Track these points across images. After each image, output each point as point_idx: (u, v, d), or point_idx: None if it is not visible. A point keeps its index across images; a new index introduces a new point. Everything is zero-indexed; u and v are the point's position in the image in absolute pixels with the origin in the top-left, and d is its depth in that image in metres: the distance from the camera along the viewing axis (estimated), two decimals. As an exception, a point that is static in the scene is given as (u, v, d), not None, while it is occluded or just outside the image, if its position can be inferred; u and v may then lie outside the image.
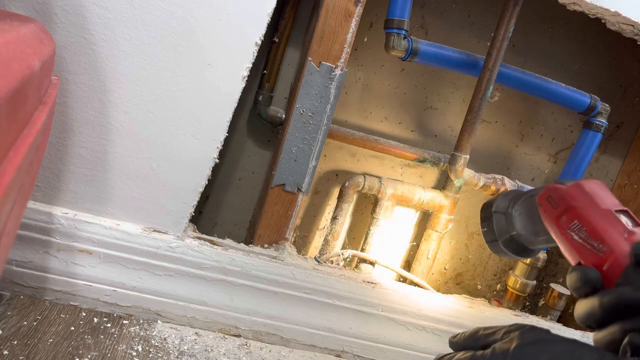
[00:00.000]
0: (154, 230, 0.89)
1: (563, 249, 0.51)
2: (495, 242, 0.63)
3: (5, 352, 0.70)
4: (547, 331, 0.42)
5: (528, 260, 1.26)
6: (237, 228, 1.23)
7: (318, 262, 1.01)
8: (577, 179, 0.53)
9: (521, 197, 0.61)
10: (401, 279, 1.12)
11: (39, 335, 0.76)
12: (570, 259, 0.50)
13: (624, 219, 0.47)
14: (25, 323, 0.78)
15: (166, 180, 0.87)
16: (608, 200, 0.49)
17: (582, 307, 0.45)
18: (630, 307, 0.41)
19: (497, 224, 0.62)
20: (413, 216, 1.31)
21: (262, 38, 0.83)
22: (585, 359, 0.37)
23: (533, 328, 0.43)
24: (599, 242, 0.46)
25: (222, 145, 0.88)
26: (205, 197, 1.18)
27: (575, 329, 1.15)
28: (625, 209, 0.48)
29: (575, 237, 0.49)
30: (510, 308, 1.24)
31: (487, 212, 0.65)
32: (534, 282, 1.27)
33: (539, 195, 0.56)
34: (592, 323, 0.44)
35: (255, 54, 0.84)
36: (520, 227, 0.61)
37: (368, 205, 1.26)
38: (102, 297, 0.87)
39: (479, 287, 1.41)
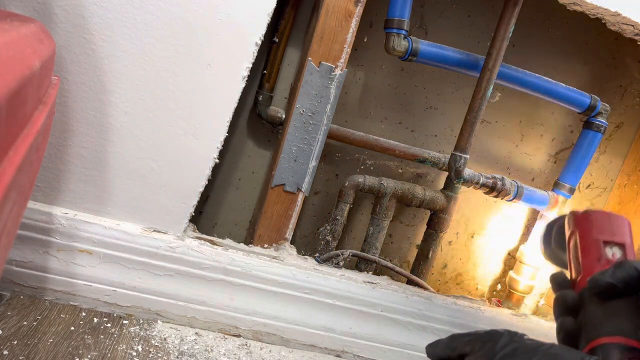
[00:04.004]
0: (154, 230, 0.89)
1: (567, 263, 0.60)
2: (542, 251, 0.72)
3: (5, 352, 0.70)
4: (523, 337, 0.43)
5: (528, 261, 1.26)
6: (237, 228, 1.23)
7: (318, 262, 1.01)
8: (598, 210, 0.60)
9: (564, 217, 0.70)
10: (401, 279, 1.12)
11: (39, 335, 0.76)
12: (568, 272, 0.59)
13: (613, 249, 0.54)
14: (25, 323, 0.78)
15: (166, 180, 0.87)
16: (606, 231, 0.56)
17: None
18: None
19: (545, 238, 0.71)
20: (413, 216, 1.31)
21: (262, 38, 0.83)
22: None
23: (509, 335, 0.43)
24: (579, 263, 0.55)
25: (222, 145, 0.88)
26: (205, 197, 1.18)
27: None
28: (621, 242, 0.55)
29: (571, 255, 0.58)
30: (510, 308, 1.24)
31: (545, 227, 0.75)
32: (534, 282, 1.27)
33: (566, 217, 0.64)
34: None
35: (255, 54, 0.84)
36: (556, 243, 0.69)
37: (368, 205, 1.26)
38: (102, 297, 0.87)
39: (479, 287, 1.41)
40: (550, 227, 0.71)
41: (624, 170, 1.39)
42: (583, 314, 0.47)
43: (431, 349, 0.49)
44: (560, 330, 0.48)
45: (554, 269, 0.63)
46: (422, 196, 1.12)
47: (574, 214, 0.61)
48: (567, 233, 0.61)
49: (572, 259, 0.57)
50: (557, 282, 0.54)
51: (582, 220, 0.59)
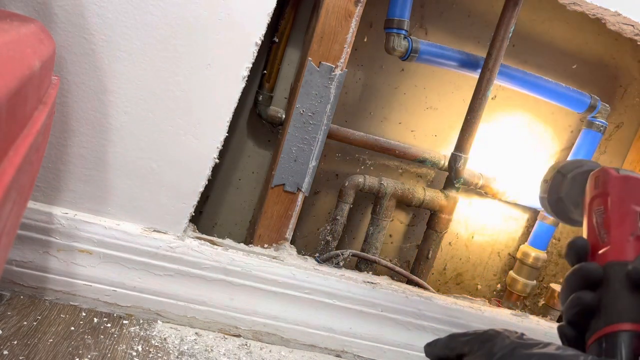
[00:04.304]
0: (154, 230, 0.89)
1: (583, 226, 0.53)
2: (544, 198, 0.65)
3: (5, 352, 0.70)
4: (521, 336, 0.42)
5: (528, 260, 1.26)
6: (237, 228, 1.23)
7: (318, 262, 1.01)
8: (633, 172, 0.53)
9: (583, 167, 0.62)
10: (401, 279, 1.12)
11: (39, 335, 0.76)
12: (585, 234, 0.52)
13: None
14: (25, 323, 0.78)
15: (166, 180, 0.87)
16: None
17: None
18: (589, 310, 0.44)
19: (552, 183, 0.64)
20: (413, 216, 1.31)
21: (262, 38, 0.83)
22: None
23: (507, 335, 0.42)
24: (606, 232, 0.48)
25: (222, 145, 0.88)
26: (205, 197, 1.18)
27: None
28: None
29: (594, 219, 0.51)
30: (510, 308, 1.24)
31: (552, 170, 0.67)
32: (534, 282, 1.27)
33: (592, 172, 0.56)
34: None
35: (255, 54, 0.84)
36: (566, 193, 0.62)
37: (368, 205, 1.26)
38: (102, 297, 0.87)
39: (479, 287, 1.41)
40: (563, 173, 0.63)
41: (624, 170, 1.39)
42: (606, 292, 0.43)
43: (430, 348, 0.49)
44: (575, 305, 0.44)
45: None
46: (422, 196, 1.12)
47: (606, 174, 0.53)
48: (592, 192, 0.53)
49: (596, 224, 0.50)
50: (577, 251, 0.49)
51: (619, 184, 0.51)
